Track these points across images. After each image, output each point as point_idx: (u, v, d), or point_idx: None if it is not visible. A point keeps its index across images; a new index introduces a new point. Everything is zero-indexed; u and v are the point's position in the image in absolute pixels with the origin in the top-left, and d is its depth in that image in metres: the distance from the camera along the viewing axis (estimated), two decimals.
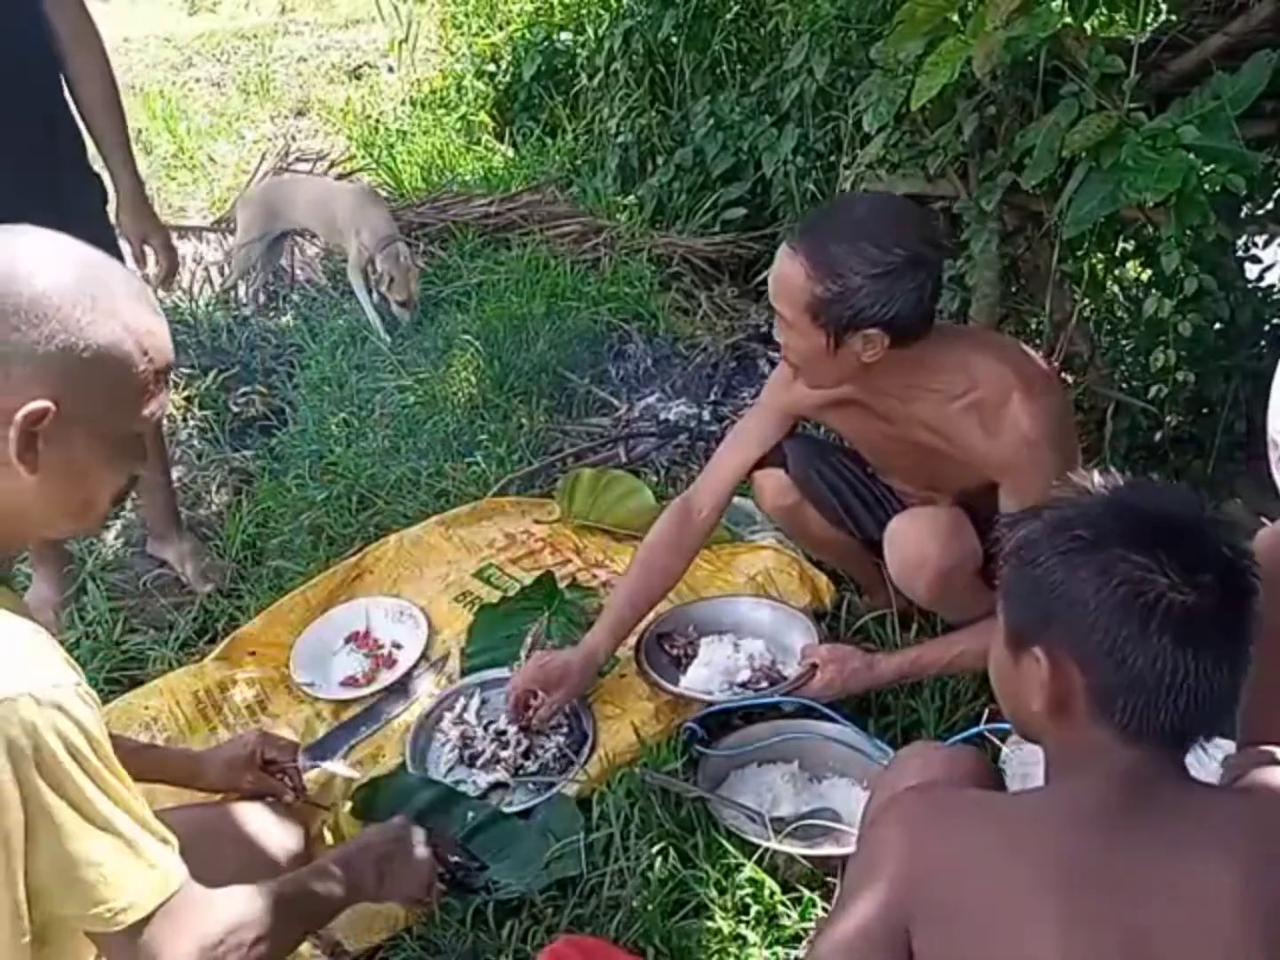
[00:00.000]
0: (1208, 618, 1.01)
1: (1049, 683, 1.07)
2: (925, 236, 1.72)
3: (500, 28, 5.54)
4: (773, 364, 3.24)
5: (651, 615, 2.14)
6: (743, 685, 2.02)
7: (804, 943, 1.64)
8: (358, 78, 6.14)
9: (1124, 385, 2.75)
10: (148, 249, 2.27)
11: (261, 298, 3.86)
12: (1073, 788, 1.08)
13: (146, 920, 1.06)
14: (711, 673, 2.05)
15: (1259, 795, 1.15)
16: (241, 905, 1.18)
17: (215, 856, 1.27)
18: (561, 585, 2.32)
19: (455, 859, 1.67)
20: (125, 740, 1.57)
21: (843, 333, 1.70)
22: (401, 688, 2.14)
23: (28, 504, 1.06)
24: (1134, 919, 0.98)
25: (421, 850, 1.54)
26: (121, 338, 1.05)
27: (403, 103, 5.53)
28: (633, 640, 2.10)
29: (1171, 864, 1.00)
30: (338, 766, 1.90)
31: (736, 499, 2.56)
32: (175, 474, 2.77)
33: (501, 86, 5.18)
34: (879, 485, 2.13)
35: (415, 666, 2.18)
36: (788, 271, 1.72)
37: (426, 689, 2.14)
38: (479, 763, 1.94)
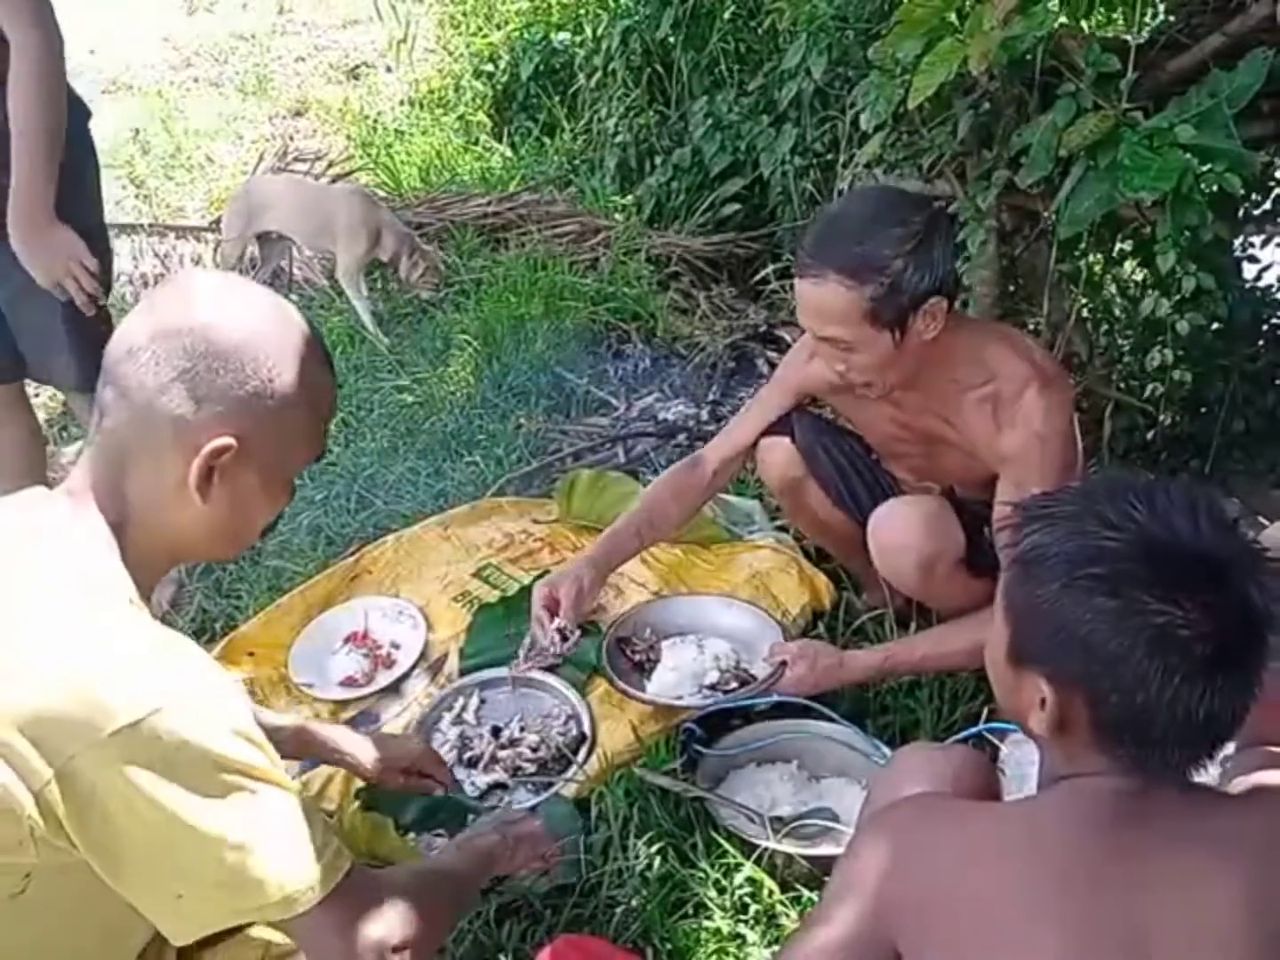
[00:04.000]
0: (1228, 658, 0.99)
1: (1052, 710, 1.05)
2: (922, 198, 1.75)
3: (498, 28, 5.54)
4: (771, 364, 3.25)
5: (609, 619, 2.17)
6: (711, 688, 2.00)
7: None
8: (356, 78, 6.13)
9: (1121, 385, 2.75)
10: None
11: None
12: (1070, 795, 1.07)
13: (325, 902, 1.09)
14: (680, 677, 2.03)
15: (1261, 799, 1.14)
16: (403, 886, 1.23)
17: None
18: None
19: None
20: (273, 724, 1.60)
21: (905, 321, 1.69)
22: (397, 688, 2.14)
23: (190, 530, 1.16)
24: (1135, 925, 0.98)
25: (535, 826, 1.65)
26: (300, 390, 1.16)
27: (401, 103, 5.53)
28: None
29: (1172, 870, 1.00)
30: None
31: (735, 499, 2.58)
32: None
33: (499, 86, 5.18)
34: (881, 472, 2.13)
35: (414, 667, 2.18)
36: (825, 297, 1.69)
37: (421, 690, 2.14)
38: (478, 763, 1.94)
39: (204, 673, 1.07)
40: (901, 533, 1.93)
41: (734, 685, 2.00)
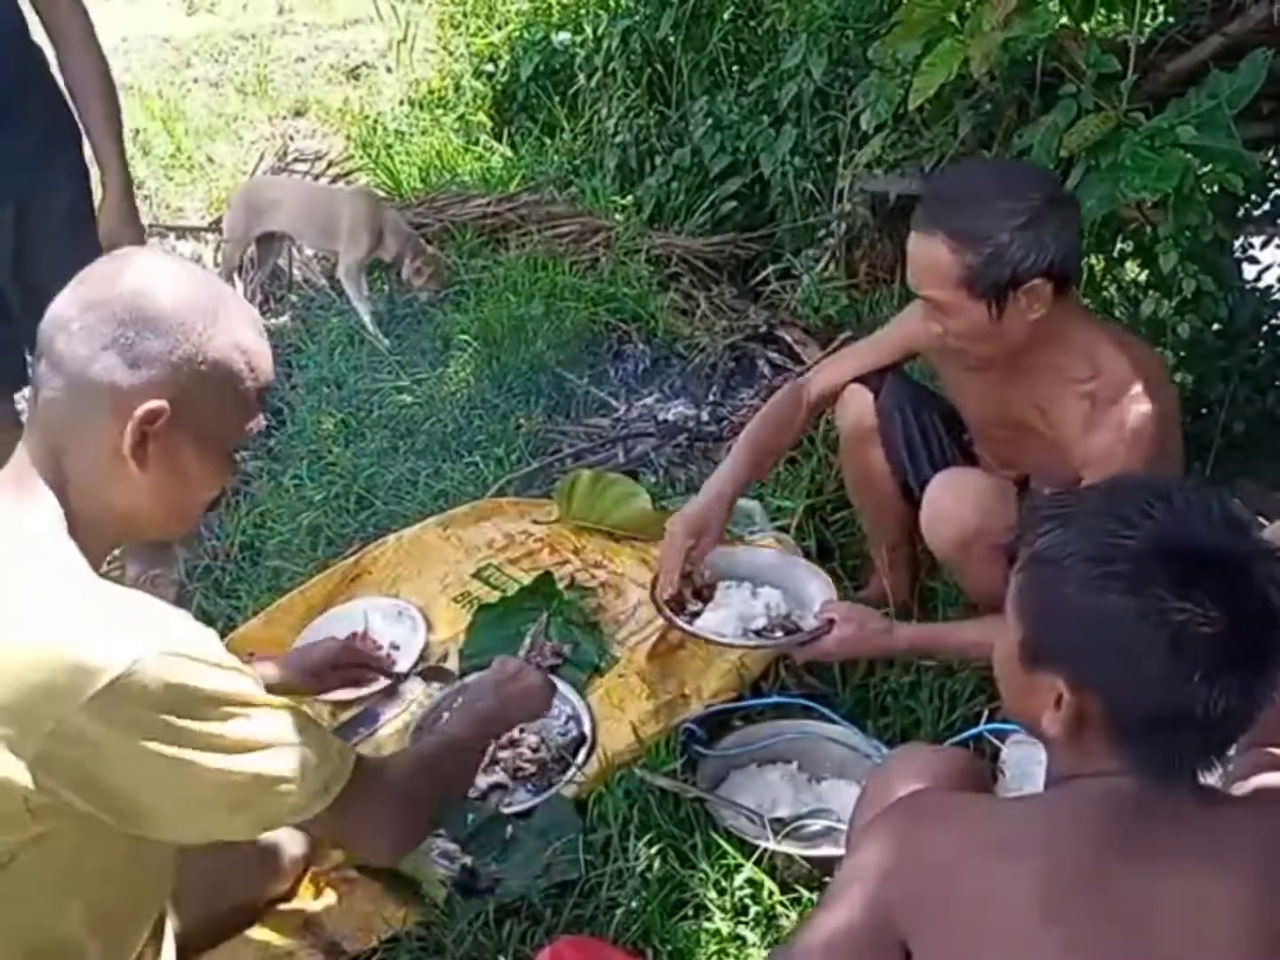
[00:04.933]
0: (1247, 656, 0.99)
1: (1069, 711, 1.05)
2: (1051, 179, 1.71)
3: (498, 28, 5.53)
4: (772, 364, 3.25)
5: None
6: (757, 633, 1.98)
7: None
8: (356, 78, 6.12)
9: None
10: None
11: (259, 298, 3.86)
12: (1075, 798, 1.07)
13: (343, 795, 1.19)
14: (727, 616, 2.02)
15: (1265, 801, 1.14)
16: (407, 768, 1.38)
17: (222, 851, 1.27)
18: (560, 585, 2.31)
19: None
20: None
21: (1003, 296, 1.67)
22: (397, 689, 2.14)
23: (130, 501, 1.16)
24: (1140, 922, 0.98)
25: (527, 669, 1.73)
26: (234, 355, 1.17)
27: (401, 103, 5.53)
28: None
29: (1178, 870, 0.99)
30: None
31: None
32: None
33: (499, 86, 5.18)
34: (955, 457, 2.10)
35: (414, 667, 2.18)
36: (929, 254, 1.69)
37: (421, 690, 2.14)
38: None
39: (169, 617, 1.10)
40: (953, 500, 1.91)
41: (779, 634, 1.98)
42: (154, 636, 1.05)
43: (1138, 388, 1.71)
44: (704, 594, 2.09)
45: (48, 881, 1.09)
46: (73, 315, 1.13)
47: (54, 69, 2.13)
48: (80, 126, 2.12)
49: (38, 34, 2.11)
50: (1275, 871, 0.99)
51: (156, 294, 1.14)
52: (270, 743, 1.12)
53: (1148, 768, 1.03)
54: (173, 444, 1.15)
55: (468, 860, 1.71)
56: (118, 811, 1.06)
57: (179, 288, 1.15)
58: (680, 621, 1.99)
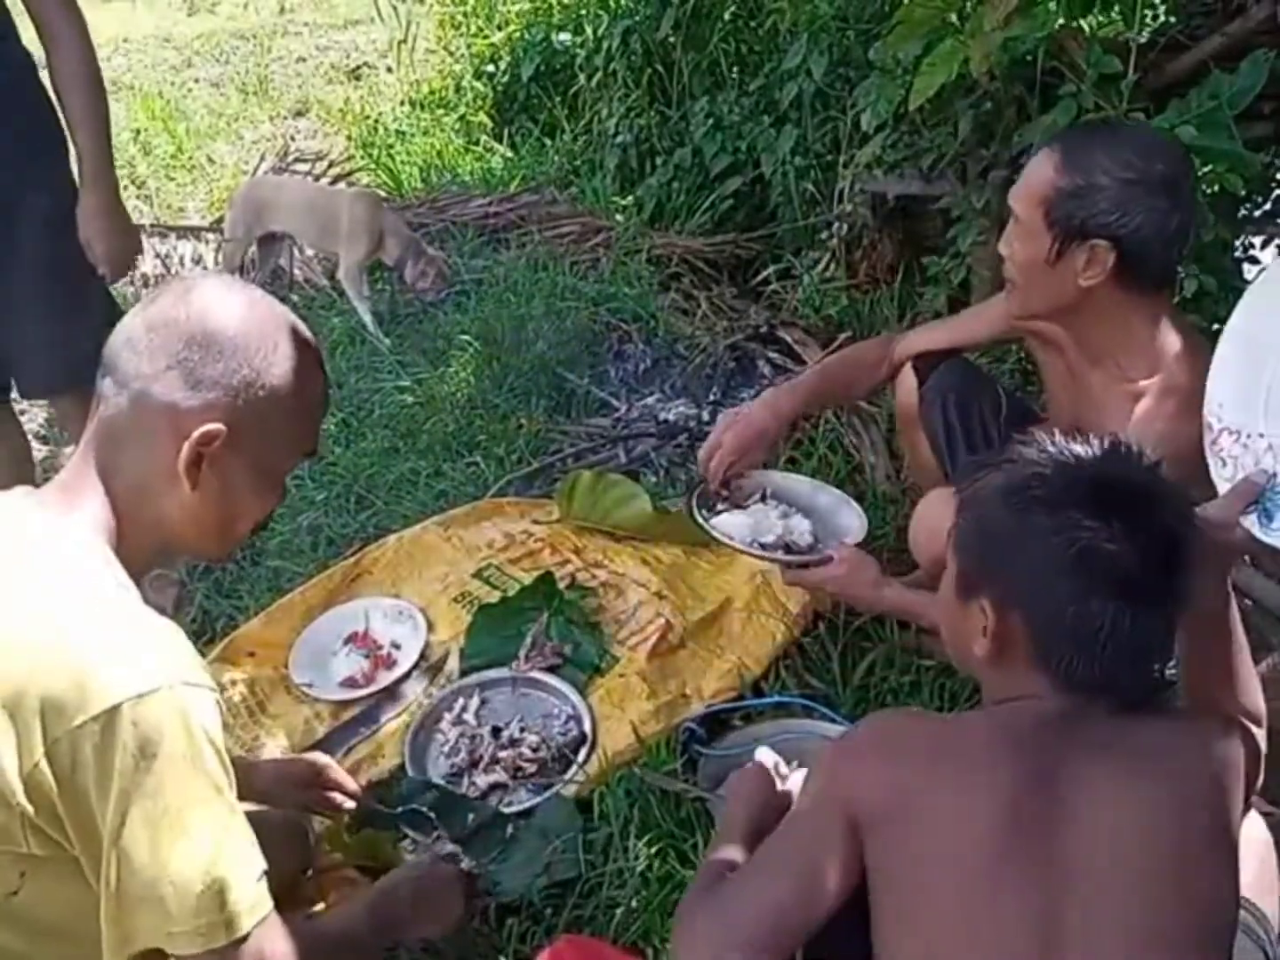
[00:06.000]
0: (1149, 579, 1.08)
1: (993, 631, 1.14)
2: (1190, 173, 1.67)
3: (499, 28, 5.54)
4: (772, 364, 3.25)
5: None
6: (763, 545, 1.98)
7: None
8: (357, 78, 6.14)
9: None
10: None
11: None
12: (1010, 716, 1.15)
13: (242, 941, 1.07)
14: (743, 523, 2.01)
15: (1189, 721, 1.23)
16: (304, 942, 1.19)
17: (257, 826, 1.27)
18: (561, 585, 2.31)
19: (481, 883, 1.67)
20: None
21: (1070, 238, 1.64)
22: (397, 689, 2.14)
23: (179, 519, 1.19)
24: (1059, 850, 1.06)
25: (453, 882, 1.55)
26: (292, 384, 1.19)
27: (401, 103, 5.53)
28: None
29: (1097, 774, 1.08)
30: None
31: None
32: None
33: (500, 87, 5.18)
34: (998, 450, 2.06)
35: (414, 667, 2.18)
36: (1038, 165, 1.69)
37: (422, 690, 2.14)
38: (479, 764, 1.94)
39: (188, 668, 1.08)
40: (937, 518, 1.89)
41: (780, 552, 1.98)
42: (166, 676, 1.04)
43: (1184, 394, 1.59)
44: (739, 501, 2.09)
45: (56, 912, 1.08)
46: (139, 334, 1.15)
47: (43, 73, 2.11)
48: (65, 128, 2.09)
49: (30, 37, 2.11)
50: (1190, 791, 1.09)
51: (222, 318, 1.16)
52: (232, 844, 1.07)
53: (1070, 689, 1.11)
54: (226, 466, 1.17)
55: (468, 863, 1.70)
56: (86, 853, 1.03)
57: (244, 313, 1.18)
58: (699, 514, 1.99)
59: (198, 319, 1.15)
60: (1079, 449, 1.16)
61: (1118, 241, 1.62)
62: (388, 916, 1.42)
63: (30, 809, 1.00)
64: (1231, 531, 1.20)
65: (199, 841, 1.04)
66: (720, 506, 2.07)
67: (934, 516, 1.90)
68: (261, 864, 1.11)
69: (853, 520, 2.10)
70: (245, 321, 1.17)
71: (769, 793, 1.41)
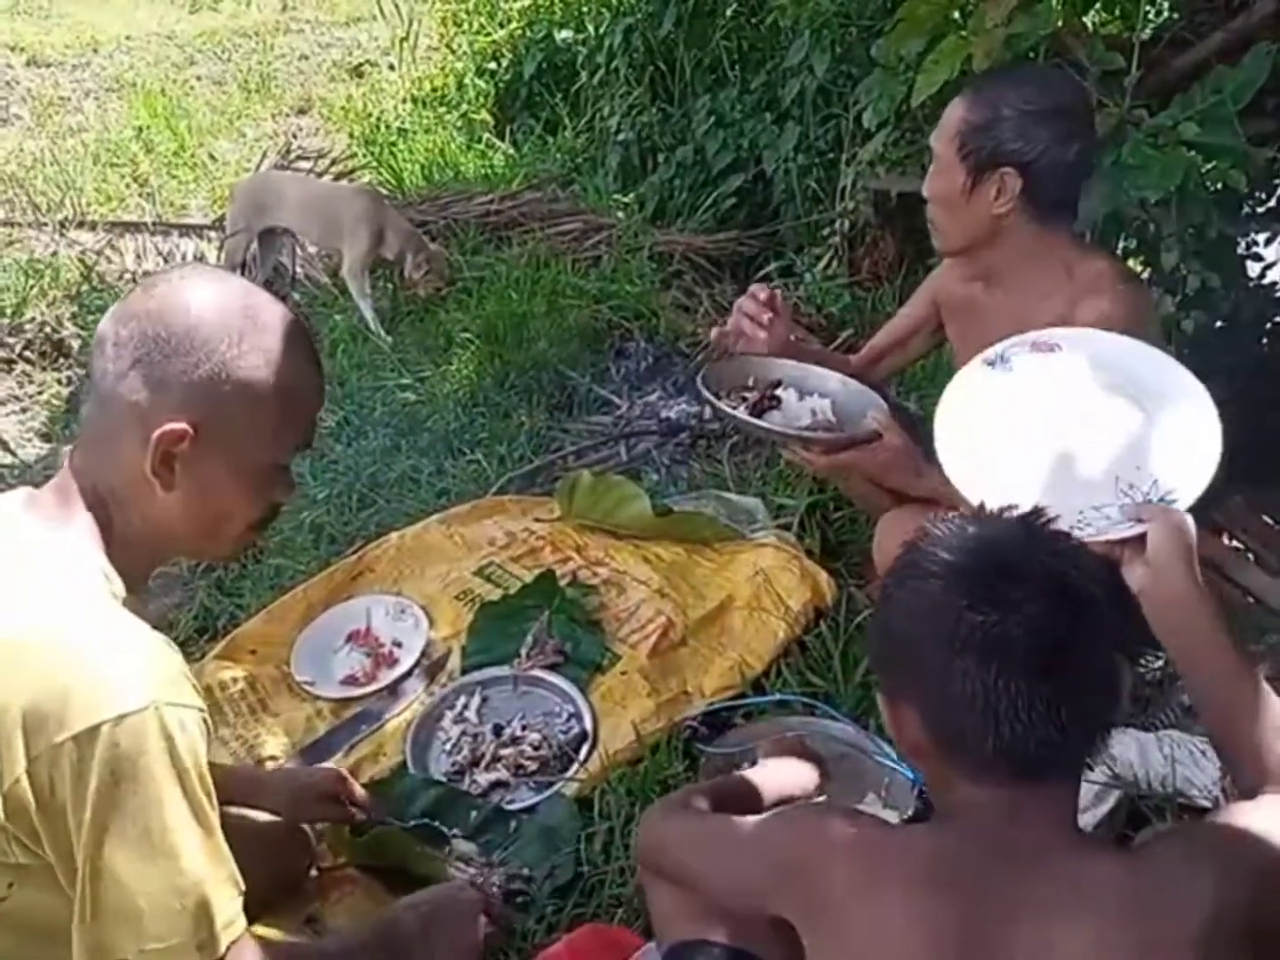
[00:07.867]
0: (1015, 640, 0.98)
1: (893, 726, 1.09)
2: (1088, 105, 1.79)
3: (501, 25, 5.54)
4: None
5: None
6: (800, 427, 1.93)
7: None
8: (359, 76, 6.14)
9: None
10: None
11: None
12: (940, 837, 1.07)
13: None
14: (771, 411, 1.96)
15: (1145, 864, 1.03)
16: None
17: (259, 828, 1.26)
18: (562, 583, 2.32)
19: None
20: None
21: (982, 170, 1.74)
22: (399, 687, 2.14)
23: (166, 521, 1.14)
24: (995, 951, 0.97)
25: (471, 912, 1.49)
26: (264, 375, 1.13)
27: (404, 101, 5.54)
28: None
29: (1028, 904, 0.98)
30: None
31: (738, 497, 2.58)
32: None
33: (502, 84, 5.19)
34: None
35: (416, 665, 2.18)
36: (952, 106, 1.80)
37: (423, 688, 2.14)
38: (480, 762, 1.94)
39: (173, 687, 1.05)
40: (896, 536, 1.89)
41: (820, 432, 1.92)
42: (154, 693, 1.01)
43: (1115, 275, 1.74)
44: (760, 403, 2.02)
45: (43, 921, 1.06)
46: (108, 332, 1.11)
47: None
48: None
49: None
50: (1153, 935, 0.95)
51: (181, 313, 1.10)
52: (183, 861, 1.03)
53: (976, 778, 1.02)
54: (201, 466, 1.12)
55: (484, 863, 1.70)
56: (62, 869, 1.02)
57: (206, 306, 1.11)
58: (724, 406, 1.92)
59: (157, 314, 1.10)
60: (964, 522, 1.09)
61: (1025, 169, 1.72)
62: (389, 944, 1.37)
63: (9, 824, 0.99)
64: (1131, 564, 1.22)
65: (177, 862, 1.02)
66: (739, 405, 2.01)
67: (895, 536, 1.90)
68: (239, 884, 1.08)
69: (870, 398, 2.04)
70: (206, 314, 1.11)
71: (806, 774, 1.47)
